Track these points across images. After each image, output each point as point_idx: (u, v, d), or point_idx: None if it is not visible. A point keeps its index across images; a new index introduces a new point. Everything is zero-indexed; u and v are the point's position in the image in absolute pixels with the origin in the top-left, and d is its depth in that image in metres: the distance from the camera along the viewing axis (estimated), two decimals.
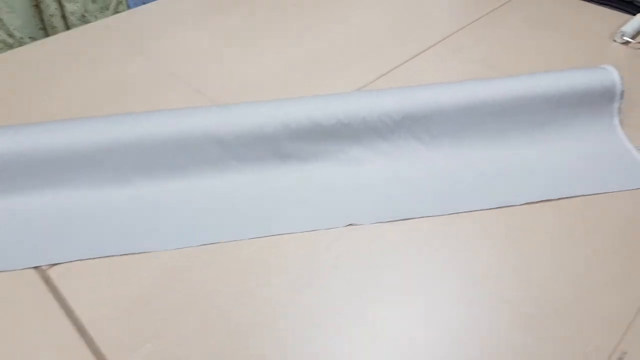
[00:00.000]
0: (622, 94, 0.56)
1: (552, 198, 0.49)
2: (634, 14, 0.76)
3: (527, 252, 0.45)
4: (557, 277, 0.43)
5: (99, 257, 0.44)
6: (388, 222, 0.48)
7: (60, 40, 0.75)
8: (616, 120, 0.56)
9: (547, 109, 0.54)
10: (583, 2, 0.83)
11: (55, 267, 0.43)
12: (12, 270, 0.43)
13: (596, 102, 0.56)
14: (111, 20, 0.80)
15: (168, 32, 0.77)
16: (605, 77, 0.56)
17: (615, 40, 0.72)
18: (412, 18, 0.81)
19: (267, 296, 0.42)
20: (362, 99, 0.54)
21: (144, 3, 0.85)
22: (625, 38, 0.71)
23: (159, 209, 0.49)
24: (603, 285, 0.42)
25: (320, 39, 0.75)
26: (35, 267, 0.43)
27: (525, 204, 0.48)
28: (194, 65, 0.69)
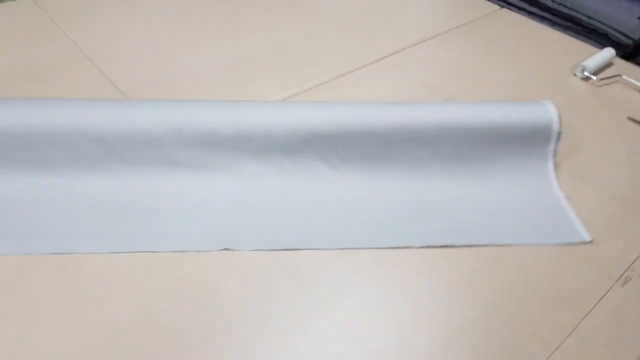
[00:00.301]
0: (559, 135, 0.53)
1: (457, 245, 0.46)
2: (605, 46, 0.75)
3: (415, 298, 0.42)
4: (438, 328, 0.40)
5: None
6: (270, 250, 0.45)
7: None
8: (550, 164, 0.54)
9: (472, 143, 0.52)
10: (553, 30, 0.82)
11: None
12: None
13: (529, 141, 0.53)
14: None
15: (98, 16, 0.74)
16: (543, 114, 0.53)
17: (575, 75, 0.71)
18: (365, 29, 0.79)
19: (99, 319, 0.39)
20: (269, 110, 0.51)
21: None
22: (585, 73, 0.69)
23: (15, 208, 0.46)
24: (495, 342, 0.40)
25: (261, 40, 0.72)
26: None
27: (425, 247, 0.46)
28: (116, 54, 0.67)
